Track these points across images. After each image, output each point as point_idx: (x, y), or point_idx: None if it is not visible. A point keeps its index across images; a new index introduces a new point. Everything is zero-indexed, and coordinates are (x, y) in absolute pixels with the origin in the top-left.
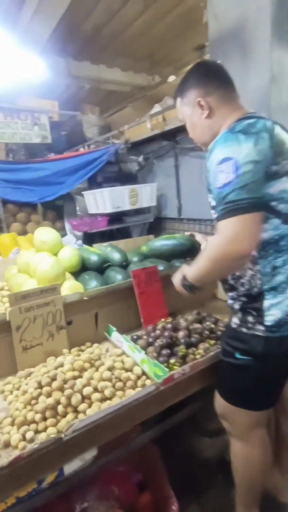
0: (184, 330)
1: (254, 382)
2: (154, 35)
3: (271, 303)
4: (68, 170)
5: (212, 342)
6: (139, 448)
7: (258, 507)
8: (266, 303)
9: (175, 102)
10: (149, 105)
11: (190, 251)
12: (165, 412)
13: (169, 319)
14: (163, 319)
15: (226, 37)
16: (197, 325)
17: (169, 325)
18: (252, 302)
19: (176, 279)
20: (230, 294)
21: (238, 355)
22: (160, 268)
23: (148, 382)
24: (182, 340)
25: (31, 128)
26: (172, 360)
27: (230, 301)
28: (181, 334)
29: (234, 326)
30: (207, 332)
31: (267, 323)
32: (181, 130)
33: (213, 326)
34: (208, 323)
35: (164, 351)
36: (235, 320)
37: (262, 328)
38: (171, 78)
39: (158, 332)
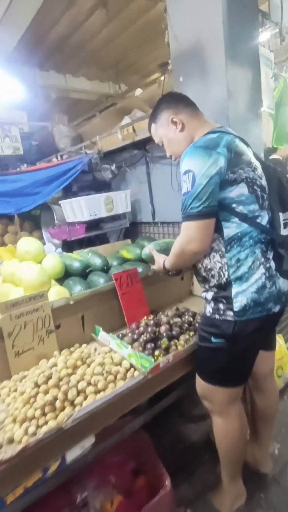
0: (165, 325)
1: (227, 361)
2: (119, 45)
3: (237, 291)
4: (43, 181)
5: (192, 333)
6: (132, 433)
7: (241, 476)
8: (234, 291)
9: (149, 129)
10: (118, 116)
11: None
12: (153, 400)
13: (151, 316)
14: (145, 317)
15: (186, 56)
16: (177, 319)
17: (152, 322)
18: (222, 292)
19: (158, 263)
20: (203, 286)
21: (213, 339)
22: (140, 269)
23: (136, 373)
24: (164, 334)
25: (2, 140)
26: (156, 352)
27: (203, 293)
28: (163, 328)
29: (208, 314)
30: (186, 325)
31: (235, 309)
32: (151, 139)
33: (191, 319)
34: (187, 317)
35: (149, 345)
36: (209, 309)
37: (231, 313)
38: (138, 92)
39: (141, 328)
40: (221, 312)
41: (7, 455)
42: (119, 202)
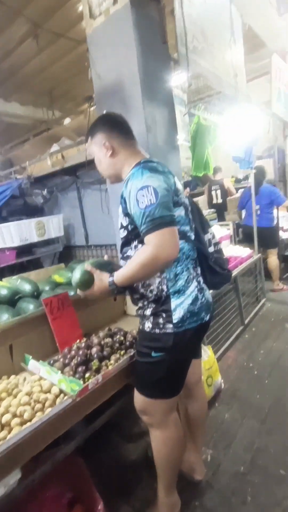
0: (96, 346)
1: (167, 373)
2: (52, 74)
3: (176, 304)
4: None
5: (122, 352)
6: (66, 461)
7: (175, 487)
8: (173, 304)
9: (86, 141)
10: (47, 143)
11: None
12: (89, 422)
13: (84, 339)
14: (78, 340)
15: (108, 93)
16: (108, 340)
17: (83, 344)
18: (161, 306)
19: (100, 281)
20: (140, 302)
21: (153, 353)
22: (71, 293)
23: (66, 398)
24: (95, 355)
25: None
26: (87, 375)
27: (140, 310)
28: (94, 350)
29: (147, 329)
30: (117, 345)
31: (174, 321)
32: (81, 166)
33: (122, 338)
34: (118, 336)
35: (80, 368)
36: (148, 324)
37: (171, 325)
38: (67, 121)
39: (73, 352)
40: (161, 326)
41: None
42: (51, 226)
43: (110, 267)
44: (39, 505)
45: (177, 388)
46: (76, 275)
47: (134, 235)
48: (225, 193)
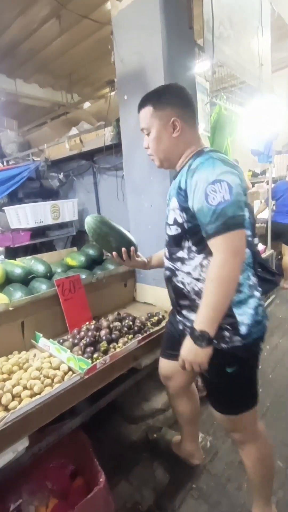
0: (105, 329)
1: (246, 384)
2: (72, 57)
3: (240, 315)
4: None
5: (130, 336)
6: (71, 435)
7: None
8: (238, 316)
9: (140, 108)
10: (66, 127)
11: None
12: (93, 400)
13: (93, 322)
14: (87, 322)
15: (130, 77)
16: (117, 323)
17: (92, 326)
18: (225, 318)
19: (191, 351)
20: (190, 312)
21: (228, 369)
22: (83, 276)
23: (74, 375)
24: (103, 338)
25: None
26: (95, 355)
27: (189, 322)
28: (103, 332)
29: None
30: (126, 329)
31: (242, 333)
32: (98, 151)
33: (131, 323)
34: (127, 321)
35: (88, 349)
36: None
37: (239, 338)
38: (86, 105)
39: (82, 333)
40: (227, 339)
41: None
42: (66, 210)
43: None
44: (43, 474)
45: (256, 393)
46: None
47: (190, 234)
48: None
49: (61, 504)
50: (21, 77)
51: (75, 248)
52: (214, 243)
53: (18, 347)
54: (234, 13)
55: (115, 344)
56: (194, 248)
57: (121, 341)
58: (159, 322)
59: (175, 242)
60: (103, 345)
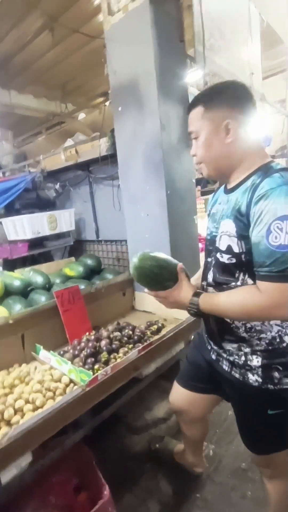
0: (105, 339)
1: (286, 426)
2: (66, 68)
3: None
4: None
5: (131, 346)
6: (74, 449)
7: None
8: None
9: (190, 109)
10: (62, 138)
11: None
12: (95, 412)
13: (93, 332)
14: (87, 333)
15: (124, 89)
16: (117, 333)
17: (93, 337)
18: (277, 358)
19: (178, 295)
20: (234, 347)
21: (270, 412)
22: (82, 287)
23: (75, 388)
24: (104, 348)
25: None
26: (96, 366)
27: (235, 357)
28: (103, 343)
29: (255, 384)
30: (125, 338)
31: None
32: (94, 161)
33: (131, 332)
34: (126, 330)
35: (89, 360)
36: (256, 378)
37: None
38: (81, 116)
39: (82, 344)
40: (276, 381)
41: None
42: (63, 220)
43: (171, 275)
44: (47, 489)
45: None
46: (135, 261)
47: (247, 267)
48: None
49: None
50: (15, 88)
51: (73, 258)
52: (262, 286)
53: (18, 360)
54: (224, 24)
55: (115, 354)
56: (250, 282)
57: (121, 351)
58: (158, 330)
59: (227, 271)
60: (103, 355)
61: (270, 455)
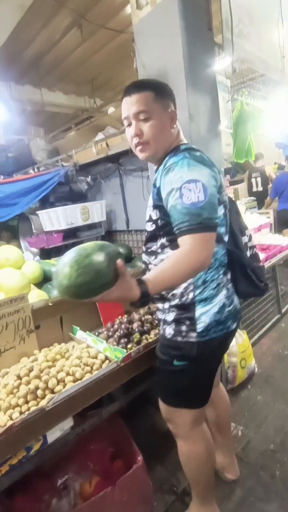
0: (137, 322)
1: (191, 382)
2: (94, 64)
3: (201, 312)
4: (21, 192)
5: None
6: (109, 420)
7: (213, 499)
8: (197, 312)
9: (138, 91)
10: (92, 132)
11: None
12: (129, 389)
13: (125, 316)
14: (120, 317)
15: None
16: (148, 317)
17: (125, 320)
18: (185, 313)
19: (122, 292)
20: (160, 304)
21: (175, 362)
22: None
23: (111, 363)
24: (136, 330)
25: None
26: (129, 346)
27: (160, 313)
28: (135, 325)
29: (168, 336)
30: (156, 322)
31: (198, 330)
32: (124, 154)
33: None
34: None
35: (122, 340)
36: (169, 331)
37: (194, 334)
38: (111, 110)
39: (116, 326)
40: (183, 333)
41: None
42: (94, 211)
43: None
44: (86, 455)
45: (203, 398)
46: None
47: (163, 232)
48: (266, 180)
49: (103, 481)
50: (45, 86)
51: None
52: (183, 241)
53: (58, 340)
54: (253, 7)
55: (147, 335)
56: (167, 244)
57: (152, 332)
58: None
59: (151, 238)
60: (136, 336)
61: (174, 409)
